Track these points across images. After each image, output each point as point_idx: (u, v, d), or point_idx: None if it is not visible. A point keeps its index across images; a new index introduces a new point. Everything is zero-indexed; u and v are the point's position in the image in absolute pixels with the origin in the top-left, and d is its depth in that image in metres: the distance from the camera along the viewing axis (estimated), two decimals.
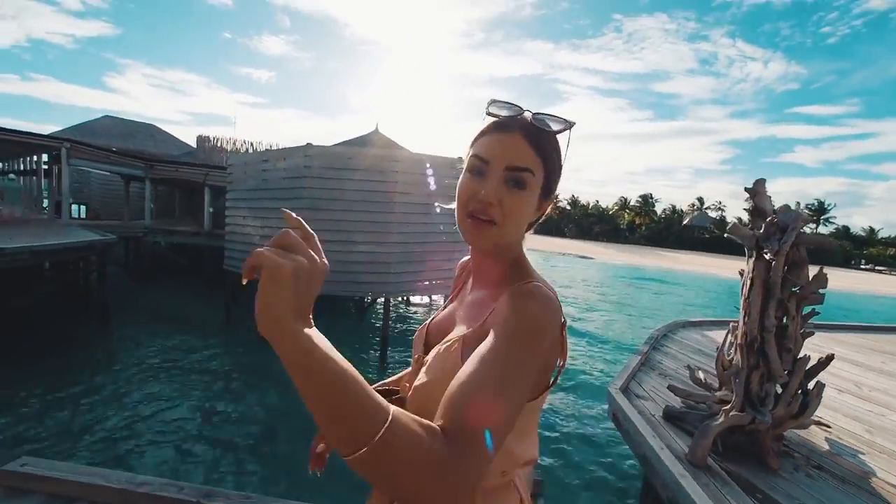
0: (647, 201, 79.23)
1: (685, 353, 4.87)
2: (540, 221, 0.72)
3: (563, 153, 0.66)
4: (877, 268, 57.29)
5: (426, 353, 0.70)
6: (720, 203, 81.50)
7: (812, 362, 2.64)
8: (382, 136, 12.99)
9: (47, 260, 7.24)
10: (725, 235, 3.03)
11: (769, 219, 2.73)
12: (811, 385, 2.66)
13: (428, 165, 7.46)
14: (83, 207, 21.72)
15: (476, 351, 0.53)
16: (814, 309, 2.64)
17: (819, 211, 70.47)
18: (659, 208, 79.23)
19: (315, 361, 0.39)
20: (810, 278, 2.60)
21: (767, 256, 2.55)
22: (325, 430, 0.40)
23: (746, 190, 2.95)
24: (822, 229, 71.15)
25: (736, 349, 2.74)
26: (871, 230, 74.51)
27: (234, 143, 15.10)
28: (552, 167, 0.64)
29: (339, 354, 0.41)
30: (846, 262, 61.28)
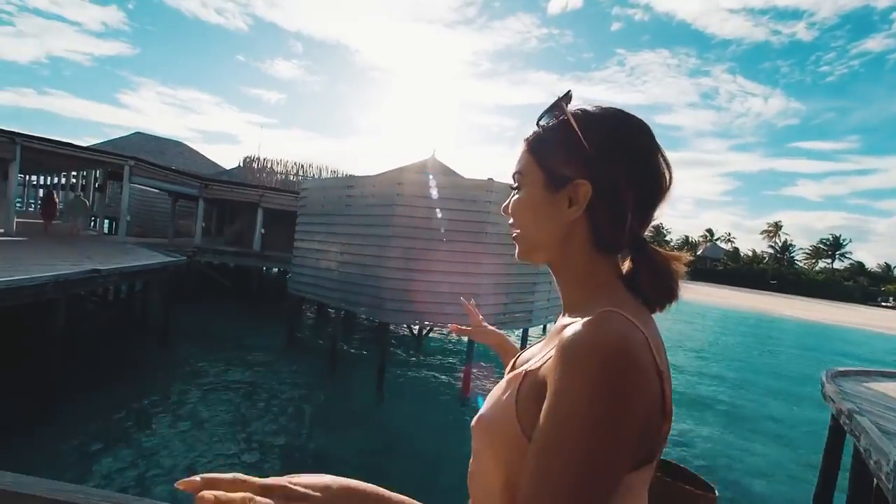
0: (658, 232, 79.10)
1: None
2: (602, 226, 0.56)
3: (567, 132, 0.56)
4: None
5: None
6: (729, 234, 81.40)
7: None
8: (438, 162, 12.95)
9: (133, 280, 7.03)
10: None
11: None
12: None
13: None
14: (112, 223, 21.78)
15: (542, 423, 0.44)
16: None
17: (835, 246, 69.98)
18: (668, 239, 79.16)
19: None
20: None
21: None
22: None
23: None
24: (838, 264, 70.62)
25: None
26: (888, 266, 73.74)
27: (284, 165, 15.16)
28: (545, 153, 0.58)
29: None
30: (864, 298, 60.26)
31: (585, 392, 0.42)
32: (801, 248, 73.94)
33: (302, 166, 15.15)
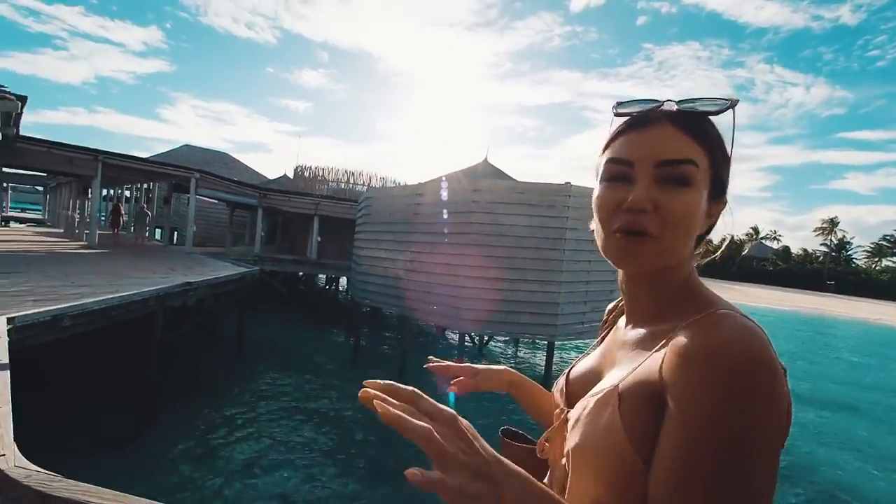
0: None
1: None
2: (712, 232, 0.57)
3: (727, 141, 0.53)
4: None
5: (568, 404, 0.61)
6: (775, 232, 76.88)
7: None
8: (491, 165, 12.74)
9: (217, 292, 7.17)
10: None
11: None
12: None
13: None
14: (173, 232, 22.78)
15: (679, 433, 0.41)
16: None
17: None
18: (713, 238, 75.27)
19: None
20: None
21: None
22: None
23: None
24: None
25: None
26: None
27: (335, 174, 15.36)
28: (719, 156, 0.51)
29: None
30: None
31: (754, 403, 0.39)
32: (861, 246, 68.92)
33: (353, 174, 15.34)
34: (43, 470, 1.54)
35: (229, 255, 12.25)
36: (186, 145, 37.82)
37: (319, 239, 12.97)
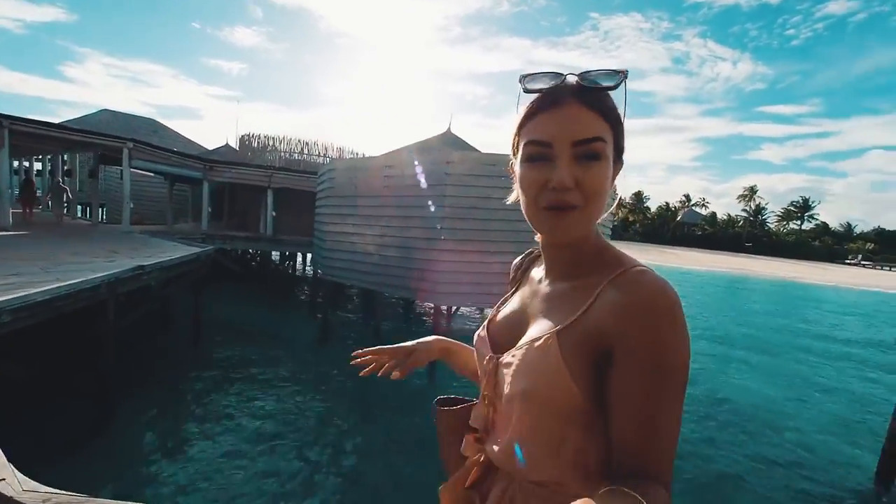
0: (639, 198, 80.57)
1: None
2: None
3: (617, 104, 0.59)
4: (862, 262, 59.63)
5: (495, 352, 0.68)
6: (703, 199, 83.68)
7: None
8: (454, 135, 12.53)
9: (172, 275, 6.59)
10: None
11: None
12: None
13: None
14: (100, 209, 20.49)
15: (641, 378, 0.50)
16: None
17: (804, 208, 73.03)
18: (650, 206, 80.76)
19: None
20: None
21: None
22: None
23: None
24: (807, 225, 74.04)
25: None
26: (849, 226, 77.77)
27: (288, 144, 14.28)
28: (616, 121, 0.59)
29: None
30: (830, 257, 63.63)
31: (681, 342, 0.50)
32: (773, 211, 76.94)
33: (307, 144, 14.39)
34: (61, 491, 1.36)
35: (172, 234, 11.23)
36: (106, 110, 33.42)
37: (274, 214, 12.23)
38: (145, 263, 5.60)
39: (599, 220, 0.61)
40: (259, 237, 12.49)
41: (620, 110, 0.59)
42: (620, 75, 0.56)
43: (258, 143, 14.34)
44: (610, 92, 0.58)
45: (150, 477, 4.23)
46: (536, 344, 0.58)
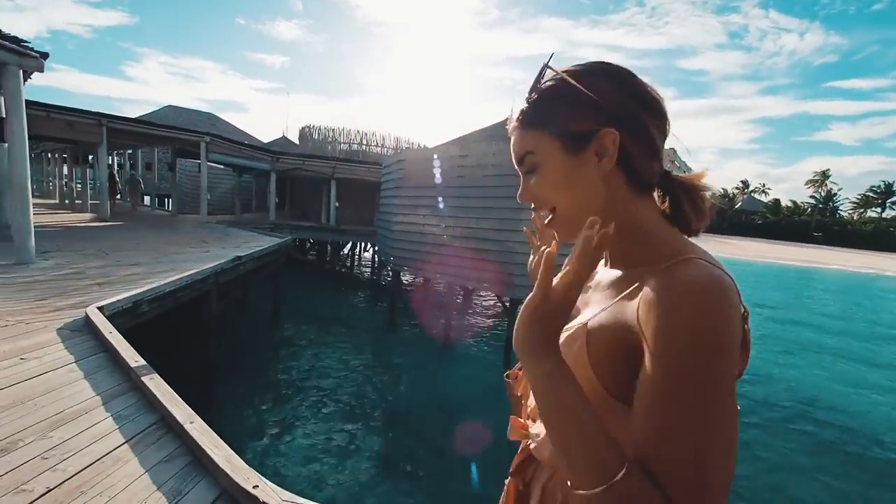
0: None
1: None
2: (638, 170, 0.57)
3: (568, 90, 0.55)
4: None
5: None
6: (763, 185, 77.61)
7: None
8: None
9: (261, 264, 6.85)
10: None
11: None
12: None
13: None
14: (167, 200, 21.86)
15: (653, 366, 0.45)
16: None
17: (886, 193, 65.96)
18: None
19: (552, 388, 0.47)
20: None
21: None
22: (559, 461, 0.47)
23: None
24: (888, 213, 66.85)
25: None
26: None
27: (348, 135, 14.50)
28: (552, 118, 0.56)
29: (579, 391, 0.47)
30: None
31: (710, 333, 0.43)
32: (847, 198, 70.14)
33: (366, 135, 14.53)
34: (311, 502, 1.33)
35: (242, 224, 11.75)
36: (170, 106, 35.51)
37: (337, 204, 12.47)
38: (242, 255, 5.83)
39: (637, 205, 0.58)
40: (323, 227, 12.81)
41: (573, 90, 0.55)
42: (536, 81, 0.58)
43: (319, 134, 14.65)
44: (554, 86, 0.57)
45: (260, 457, 4.42)
46: (568, 332, 0.58)
